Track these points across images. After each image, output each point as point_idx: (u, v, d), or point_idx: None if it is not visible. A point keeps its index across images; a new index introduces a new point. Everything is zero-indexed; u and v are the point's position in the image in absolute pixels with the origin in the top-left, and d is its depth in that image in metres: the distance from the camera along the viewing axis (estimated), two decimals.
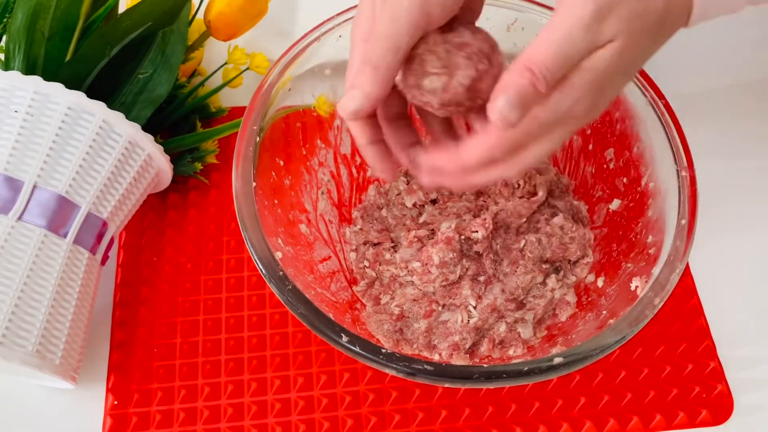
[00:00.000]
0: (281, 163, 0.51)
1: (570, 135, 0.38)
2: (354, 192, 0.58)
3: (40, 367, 0.46)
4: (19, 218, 0.47)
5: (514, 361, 0.45)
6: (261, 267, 0.44)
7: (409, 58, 0.37)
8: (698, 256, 0.57)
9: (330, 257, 0.53)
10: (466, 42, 0.37)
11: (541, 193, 0.54)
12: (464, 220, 0.53)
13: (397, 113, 0.42)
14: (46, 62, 0.52)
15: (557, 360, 0.40)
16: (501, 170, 0.38)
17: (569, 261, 0.53)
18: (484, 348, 0.50)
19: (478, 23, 0.42)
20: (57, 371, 0.47)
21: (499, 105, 0.34)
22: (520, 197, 0.54)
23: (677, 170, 0.46)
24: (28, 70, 0.51)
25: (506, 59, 0.56)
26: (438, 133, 0.44)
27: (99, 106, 0.50)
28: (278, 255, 0.44)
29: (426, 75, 0.36)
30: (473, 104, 0.37)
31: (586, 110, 0.36)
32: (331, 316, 0.43)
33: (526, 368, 0.40)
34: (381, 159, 0.41)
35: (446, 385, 0.42)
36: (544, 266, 0.52)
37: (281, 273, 0.43)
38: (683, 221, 0.44)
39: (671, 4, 0.34)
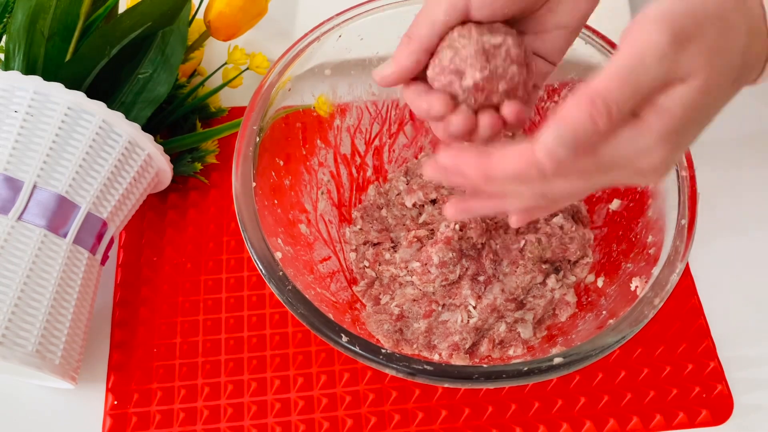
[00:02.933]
0: (281, 163, 0.51)
1: (621, 183, 0.34)
2: (354, 192, 0.58)
3: (40, 367, 0.46)
4: (19, 218, 0.47)
5: (513, 362, 0.45)
6: (261, 267, 0.44)
7: (437, 47, 0.37)
8: (698, 256, 0.57)
9: (330, 257, 0.53)
10: (495, 43, 0.35)
11: None
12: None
13: None
14: (46, 62, 0.52)
15: (557, 360, 0.40)
16: (524, 189, 0.34)
17: (569, 261, 0.53)
18: (483, 348, 0.50)
19: None
20: (57, 371, 0.47)
21: (547, 139, 0.30)
22: None
23: (677, 170, 0.46)
24: (28, 70, 0.51)
25: None
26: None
27: (99, 106, 0.50)
28: (278, 255, 0.44)
29: (436, 67, 0.36)
30: (489, 103, 0.36)
31: (653, 165, 0.32)
32: (330, 316, 0.43)
33: (525, 368, 0.40)
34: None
35: (446, 385, 0.42)
36: (543, 266, 0.52)
37: (281, 273, 0.43)
38: (683, 221, 0.44)
39: (751, 45, 0.32)
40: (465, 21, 0.36)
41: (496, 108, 0.37)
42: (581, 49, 0.52)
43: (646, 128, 0.30)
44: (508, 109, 0.36)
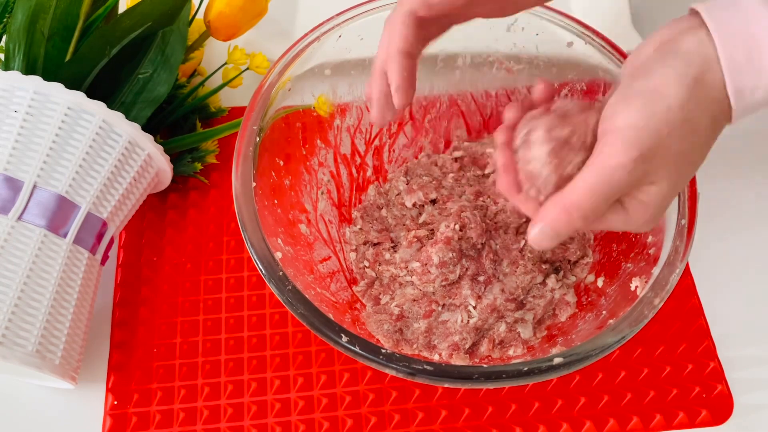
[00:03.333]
0: (281, 163, 0.51)
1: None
2: (354, 192, 0.58)
3: (40, 367, 0.46)
4: (19, 218, 0.47)
5: (513, 362, 0.45)
6: (261, 267, 0.44)
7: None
8: (698, 256, 0.57)
9: (330, 257, 0.53)
10: (563, 136, 0.38)
11: None
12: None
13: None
14: (46, 62, 0.52)
15: (557, 360, 0.40)
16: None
17: (569, 261, 0.53)
18: (483, 348, 0.50)
19: (480, 23, 0.43)
20: (57, 371, 0.47)
21: (533, 233, 0.37)
22: None
23: None
24: (28, 70, 0.51)
25: (506, 59, 0.56)
26: None
27: (99, 106, 0.50)
28: (278, 255, 0.44)
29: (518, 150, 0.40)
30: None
31: (639, 227, 0.38)
32: (330, 316, 0.43)
33: (525, 368, 0.40)
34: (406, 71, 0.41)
35: (446, 386, 0.42)
36: (543, 266, 0.52)
37: (281, 273, 0.43)
38: (683, 221, 0.44)
39: (715, 128, 0.36)
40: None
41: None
42: (581, 49, 0.52)
43: (632, 217, 0.37)
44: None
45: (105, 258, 0.53)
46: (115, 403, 0.51)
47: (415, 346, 0.50)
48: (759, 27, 0.33)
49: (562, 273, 0.53)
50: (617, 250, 0.51)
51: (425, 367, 0.40)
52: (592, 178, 0.35)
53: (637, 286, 0.45)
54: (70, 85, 0.49)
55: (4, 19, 0.53)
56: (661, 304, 0.42)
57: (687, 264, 0.50)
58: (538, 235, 0.37)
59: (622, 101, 0.35)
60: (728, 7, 0.34)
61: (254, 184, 0.47)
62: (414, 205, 0.57)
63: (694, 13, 0.36)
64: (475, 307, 0.50)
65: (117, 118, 0.50)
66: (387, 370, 0.40)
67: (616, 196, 0.36)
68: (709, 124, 0.35)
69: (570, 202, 0.36)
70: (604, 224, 0.38)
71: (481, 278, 0.51)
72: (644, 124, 0.34)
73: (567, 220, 0.36)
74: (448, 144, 0.60)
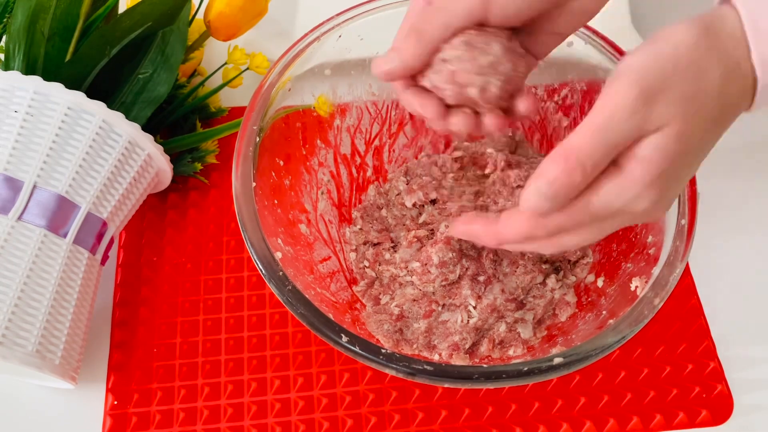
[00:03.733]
0: (281, 163, 0.51)
1: (624, 226, 0.36)
2: (354, 192, 0.58)
3: (40, 367, 0.46)
4: (19, 218, 0.47)
5: (514, 362, 0.45)
6: (261, 267, 0.44)
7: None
8: (698, 257, 0.57)
9: (330, 257, 0.53)
10: (496, 55, 0.36)
11: None
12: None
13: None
14: (46, 62, 0.52)
15: (557, 360, 0.40)
16: (538, 246, 0.37)
17: (569, 261, 0.53)
18: (483, 348, 0.50)
19: None
20: (57, 371, 0.47)
21: (528, 194, 0.33)
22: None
23: None
24: (28, 70, 0.51)
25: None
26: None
27: (99, 106, 0.50)
28: (278, 255, 0.44)
29: (440, 76, 0.37)
30: (481, 109, 0.38)
31: (646, 209, 0.33)
32: (330, 316, 0.43)
33: (525, 368, 0.40)
34: (421, 97, 0.38)
35: (446, 386, 0.42)
36: (543, 266, 0.52)
37: (281, 273, 0.43)
38: (683, 221, 0.44)
39: (728, 86, 0.33)
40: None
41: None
42: (581, 49, 0.52)
43: (629, 178, 0.32)
44: (522, 106, 0.39)
45: (105, 258, 0.53)
46: (115, 403, 0.51)
47: (415, 346, 0.50)
48: None
49: (562, 273, 0.53)
50: (617, 251, 0.51)
51: (425, 367, 0.40)
52: (592, 119, 0.31)
53: (637, 286, 0.45)
54: (70, 85, 0.49)
55: (4, 19, 0.53)
56: (661, 304, 0.42)
57: (687, 264, 0.50)
58: (533, 196, 0.32)
59: (633, 50, 0.33)
60: None
61: (254, 184, 0.47)
62: (414, 205, 0.57)
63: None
64: (475, 307, 0.50)
65: (117, 118, 0.50)
66: (387, 370, 0.40)
67: (617, 142, 0.32)
68: (719, 75, 0.32)
69: (569, 145, 0.32)
70: (600, 197, 0.33)
71: (481, 278, 0.51)
72: (649, 64, 0.31)
73: (564, 168, 0.32)
74: (448, 144, 0.60)
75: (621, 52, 0.51)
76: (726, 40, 0.32)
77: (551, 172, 0.32)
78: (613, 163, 0.33)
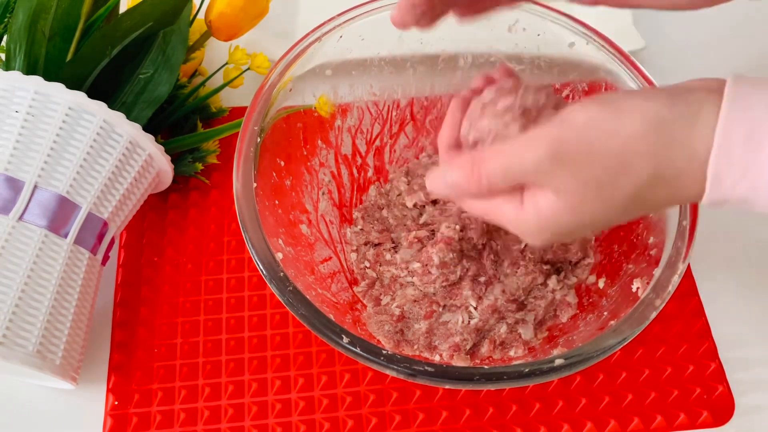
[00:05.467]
0: (282, 163, 0.51)
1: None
2: (355, 192, 0.58)
3: (41, 368, 0.46)
4: (20, 218, 0.47)
5: (514, 363, 0.45)
6: (262, 268, 0.43)
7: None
8: (700, 258, 0.57)
9: (331, 258, 0.53)
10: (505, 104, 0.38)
11: None
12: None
13: None
14: (47, 62, 0.52)
15: (558, 361, 0.40)
16: (470, 210, 0.39)
17: (570, 262, 0.53)
18: (484, 349, 0.50)
19: (481, 23, 0.43)
20: (57, 371, 0.47)
21: (434, 176, 0.37)
22: None
23: None
24: (29, 70, 0.51)
25: (508, 60, 0.56)
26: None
27: (100, 106, 0.50)
28: (279, 256, 0.44)
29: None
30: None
31: (524, 232, 0.36)
32: (331, 317, 0.43)
33: (526, 369, 0.40)
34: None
35: (447, 387, 0.42)
36: (544, 267, 0.52)
37: (282, 274, 0.43)
38: (684, 222, 0.44)
39: (653, 190, 0.32)
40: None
41: None
42: (582, 49, 0.52)
43: (521, 216, 0.35)
44: None
45: (106, 258, 0.53)
46: (116, 403, 0.51)
47: (416, 347, 0.50)
48: None
49: (563, 274, 0.53)
50: (618, 252, 0.51)
51: (426, 368, 0.40)
52: (511, 146, 0.33)
53: (638, 288, 0.45)
54: (71, 85, 0.49)
55: (5, 19, 0.53)
56: (663, 305, 0.42)
57: (688, 265, 0.50)
58: (435, 174, 0.37)
59: (591, 100, 0.33)
60: (760, 85, 0.30)
61: (255, 184, 0.47)
62: (415, 205, 0.57)
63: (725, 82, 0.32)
64: (476, 308, 0.50)
65: (118, 118, 0.50)
66: (388, 371, 0.40)
67: (516, 177, 0.34)
68: (646, 177, 0.32)
69: (480, 157, 0.34)
70: (496, 209, 0.36)
71: (482, 279, 0.51)
72: (582, 131, 0.32)
73: (467, 172, 0.35)
74: None
75: (622, 53, 0.51)
76: (677, 148, 0.31)
77: (455, 173, 0.35)
78: (519, 189, 0.35)
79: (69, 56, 0.53)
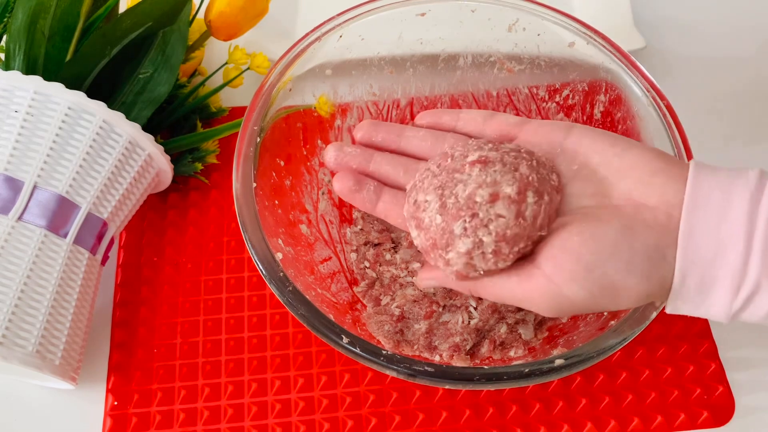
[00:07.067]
0: (282, 163, 0.51)
1: None
2: None
3: (40, 368, 0.46)
4: (19, 218, 0.47)
5: (515, 363, 0.45)
6: (261, 268, 0.43)
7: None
8: None
9: (330, 258, 0.53)
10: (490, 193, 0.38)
11: None
12: None
13: None
14: (46, 62, 0.52)
15: (558, 361, 0.40)
16: None
17: None
18: (484, 349, 0.50)
19: (481, 23, 0.43)
20: (57, 372, 0.47)
21: (426, 281, 0.43)
22: None
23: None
24: (29, 69, 0.51)
25: (508, 60, 0.56)
26: None
27: (99, 106, 0.49)
28: (279, 256, 0.44)
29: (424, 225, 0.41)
30: None
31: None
32: (331, 317, 0.43)
33: (526, 370, 0.40)
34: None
35: (447, 387, 0.41)
36: None
37: (282, 274, 0.43)
38: None
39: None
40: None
41: None
42: (582, 48, 0.52)
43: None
44: None
45: (105, 258, 0.53)
46: (116, 403, 0.51)
47: (415, 347, 0.50)
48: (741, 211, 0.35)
49: None
50: None
51: (426, 368, 0.40)
52: (504, 290, 0.39)
53: None
54: (71, 85, 0.49)
55: (5, 19, 0.53)
56: (663, 305, 0.42)
57: None
58: (429, 283, 0.43)
59: (583, 223, 0.37)
60: (718, 173, 0.36)
61: (255, 184, 0.47)
62: None
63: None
64: (476, 308, 0.50)
65: (117, 118, 0.50)
66: (388, 372, 0.40)
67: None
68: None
69: (474, 284, 0.40)
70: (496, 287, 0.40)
71: None
72: (588, 295, 0.36)
73: (458, 287, 0.41)
74: None
75: (623, 52, 0.51)
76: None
77: (444, 281, 0.42)
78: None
79: (68, 56, 0.53)
